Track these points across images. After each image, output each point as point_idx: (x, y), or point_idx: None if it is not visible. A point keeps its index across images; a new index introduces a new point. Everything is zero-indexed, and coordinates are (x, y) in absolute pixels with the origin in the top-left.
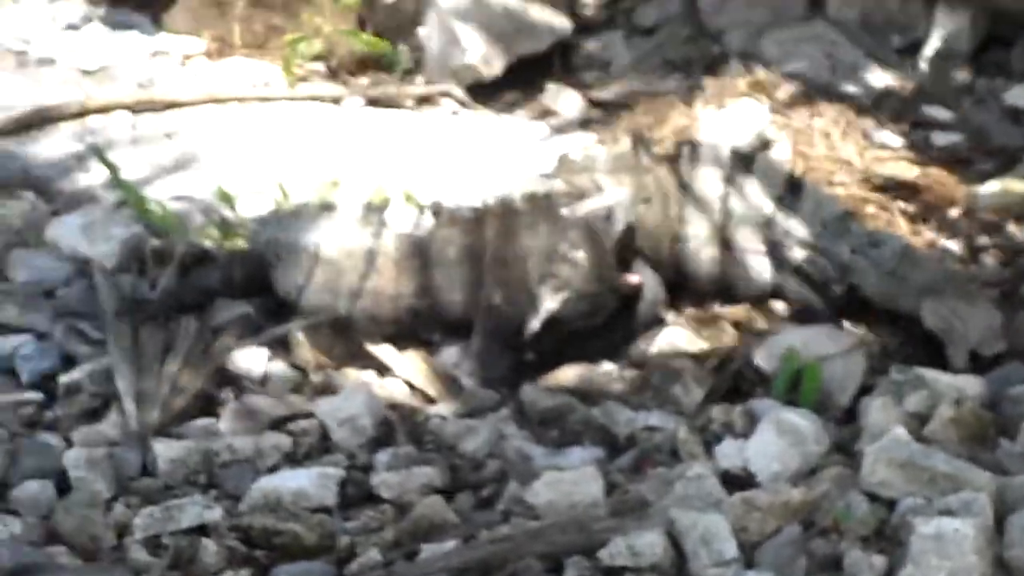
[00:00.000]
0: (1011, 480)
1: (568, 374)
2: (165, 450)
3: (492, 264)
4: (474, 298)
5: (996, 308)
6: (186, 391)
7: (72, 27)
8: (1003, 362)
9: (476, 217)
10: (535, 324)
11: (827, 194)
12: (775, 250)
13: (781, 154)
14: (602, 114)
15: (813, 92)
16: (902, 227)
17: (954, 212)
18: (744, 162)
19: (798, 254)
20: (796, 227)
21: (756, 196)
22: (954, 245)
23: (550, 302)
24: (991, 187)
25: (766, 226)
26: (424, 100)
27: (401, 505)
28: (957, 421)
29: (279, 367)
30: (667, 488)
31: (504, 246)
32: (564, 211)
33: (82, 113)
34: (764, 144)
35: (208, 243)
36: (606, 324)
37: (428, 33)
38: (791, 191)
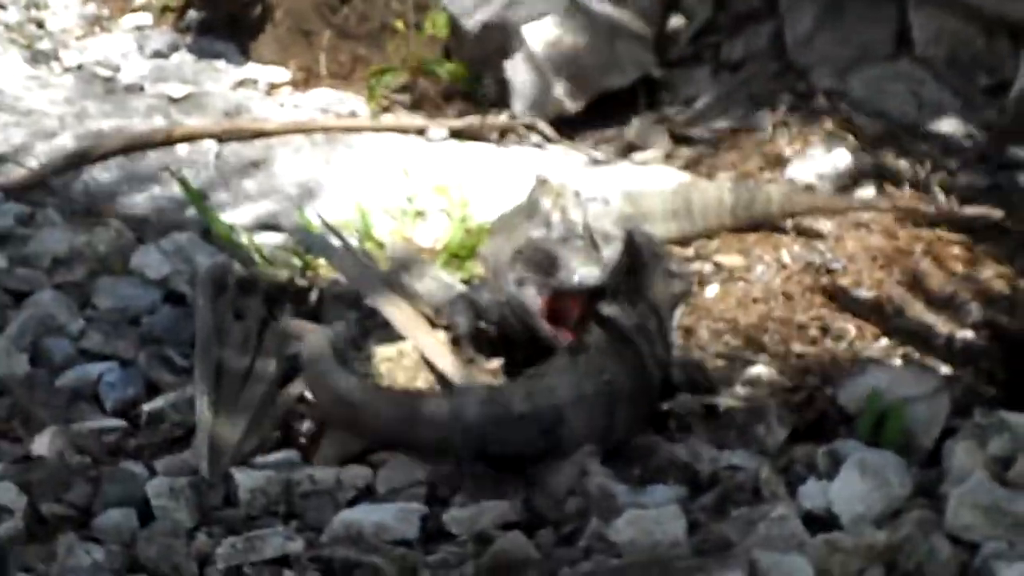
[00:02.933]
0: None
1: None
2: (246, 480)
3: None
4: None
5: None
6: (266, 422)
7: (160, 55)
8: None
9: None
10: None
11: None
12: None
13: (867, 192)
14: (687, 150)
15: (899, 131)
16: (987, 270)
17: None
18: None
19: None
20: None
21: None
22: None
23: None
24: None
25: None
26: (508, 132)
27: (482, 540)
28: None
29: None
30: (750, 528)
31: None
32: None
33: (169, 141)
34: (852, 181)
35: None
36: None
37: (514, 66)
38: None
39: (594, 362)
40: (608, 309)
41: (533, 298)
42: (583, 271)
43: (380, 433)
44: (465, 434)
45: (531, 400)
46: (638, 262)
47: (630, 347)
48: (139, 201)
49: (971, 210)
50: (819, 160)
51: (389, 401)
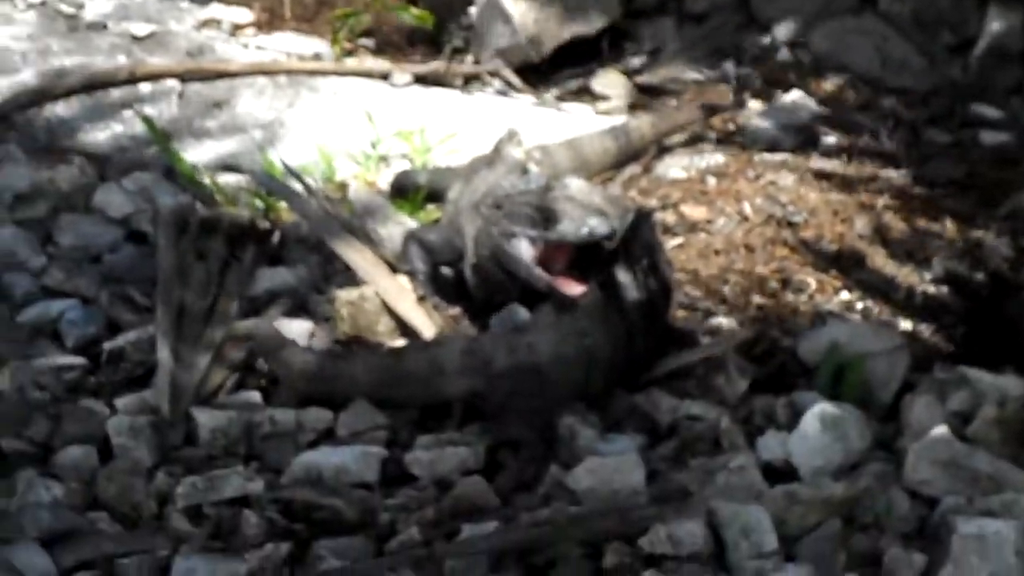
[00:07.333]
0: None
1: None
2: (206, 420)
3: None
4: None
5: None
6: (227, 362)
7: None
8: None
9: None
10: None
11: None
12: None
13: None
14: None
15: (862, 86)
16: (949, 226)
17: (1002, 211)
18: None
19: None
20: None
21: None
22: (1002, 245)
23: None
24: None
25: None
26: (472, 79)
27: (443, 485)
28: (1000, 422)
29: (323, 340)
30: (708, 478)
31: None
32: None
33: (132, 80)
34: (813, 135)
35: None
36: None
37: (479, 12)
38: None
39: (579, 324)
40: (622, 276)
41: (527, 250)
42: (593, 222)
43: (361, 395)
44: (445, 384)
45: (512, 356)
46: (653, 240)
47: (622, 317)
48: (101, 139)
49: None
50: (781, 113)
51: (366, 365)
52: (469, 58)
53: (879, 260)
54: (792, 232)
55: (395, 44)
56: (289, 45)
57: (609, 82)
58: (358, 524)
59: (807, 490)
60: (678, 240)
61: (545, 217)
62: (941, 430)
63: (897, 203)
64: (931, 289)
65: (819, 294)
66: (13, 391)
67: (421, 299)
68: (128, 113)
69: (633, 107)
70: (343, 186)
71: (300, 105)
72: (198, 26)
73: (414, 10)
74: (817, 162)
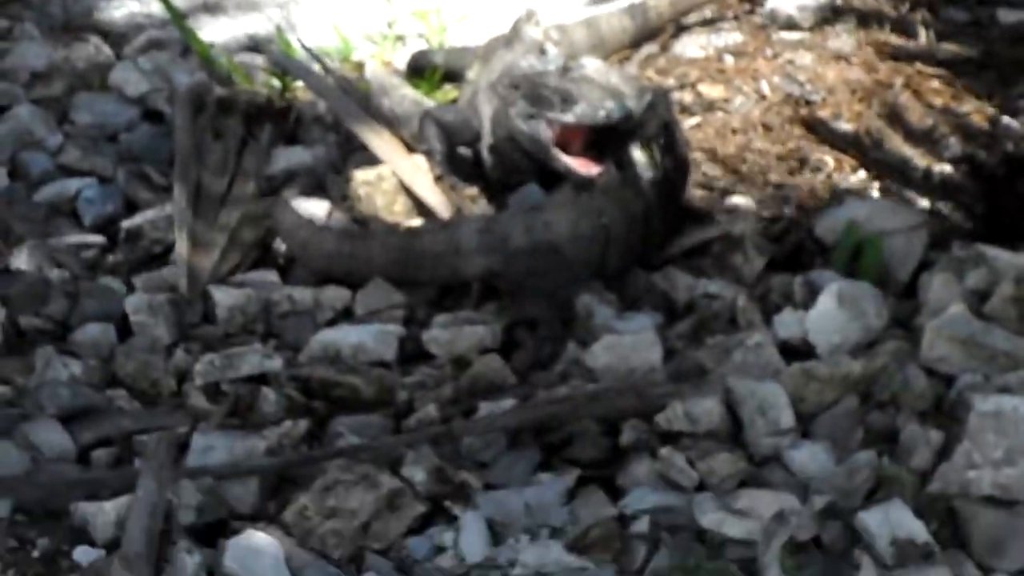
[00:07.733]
0: None
1: None
2: (224, 298)
3: None
4: None
5: None
6: (244, 241)
7: None
8: None
9: None
10: None
11: None
12: None
13: (846, 28)
14: None
15: None
16: (965, 105)
17: (1018, 91)
18: None
19: None
20: None
21: None
22: (1015, 123)
23: None
24: None
25: None
26: None
27: (460, 363)
28: (1017, 299)
29: (340, 220)
30: (725, 356)
31: None
32: None
33: None
34: (832, 14)
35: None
36: None
37: None
38: None
39: (596, 203)
40: (638, 155)
41: (545, 131)
42: (609, 105)
43: (378, 274)
44: (462, 262)
45: (529, 234)
46: (670, 119)
47: (639, 196)
48: (117, 17)
49: None
50: None
51: (383, 245)
52: None
53: (896, 140)
54: (810, 111)
55: None
56: None
57: None
58: (376, 402)
59: (824, 367)
60: (695, 119)
61: (562, 98)
62: (958, 308)
63: (914, 82)
64: (948, 168)
65: (836, 173)
66: (32, 269)
67: (438, 179)
68: None
69: None
70: (360, 66)
71: None
72: None
73: None
74: (835, 41)
